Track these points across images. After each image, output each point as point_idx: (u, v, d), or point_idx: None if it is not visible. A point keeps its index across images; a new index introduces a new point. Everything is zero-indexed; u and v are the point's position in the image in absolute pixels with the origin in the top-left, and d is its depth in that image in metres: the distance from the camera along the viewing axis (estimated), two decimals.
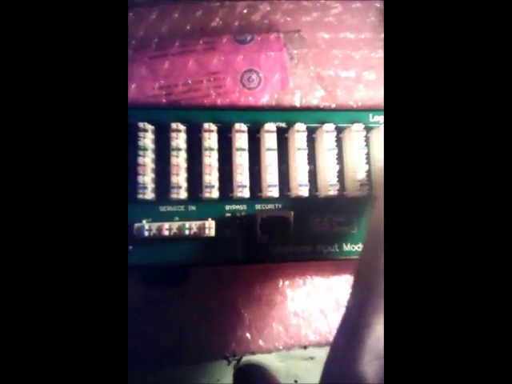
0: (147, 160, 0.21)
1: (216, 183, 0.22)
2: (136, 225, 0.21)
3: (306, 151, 0.22)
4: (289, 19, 0.27)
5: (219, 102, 0.25)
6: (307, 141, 0.23)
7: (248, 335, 0.24)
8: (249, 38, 0.26)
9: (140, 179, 0.21)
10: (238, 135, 0.22)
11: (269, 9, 0.27)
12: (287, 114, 0.24)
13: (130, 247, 0.21)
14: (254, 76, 0.25)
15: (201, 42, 0.25)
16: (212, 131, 0.22)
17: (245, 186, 0.22)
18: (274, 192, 0.22)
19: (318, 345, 0.24)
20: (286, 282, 0.25)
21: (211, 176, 0.22)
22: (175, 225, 0.21)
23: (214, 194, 0.22)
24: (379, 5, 0.28)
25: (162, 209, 0.22)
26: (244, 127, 0.22)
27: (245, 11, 0.27)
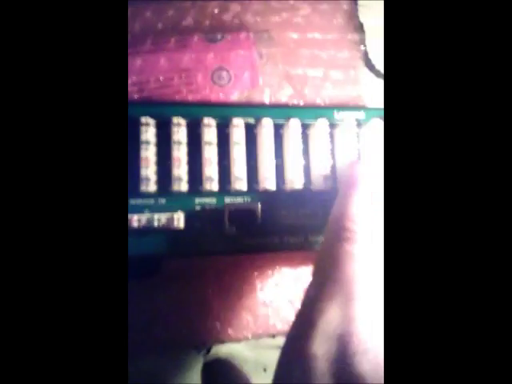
0: None
1: (185, 176, 0.22)
2: None
3: (273, 146, 0.23)
4: (259, 19, 0.28)
5: (190, 98, 0.25)
6: (274, 136, 0.23)
7: (217, 324, 0.25)
8: (219, 37, 0.26)
9: None
10: (206, 130, 0.23)
11: (239, 9, 0.28)
12: (256, 110, 0.24)
13: None
14: (224, 74, 0.26)
15: (172, 40, 0.26)
16: (181, 125, 0.23)
17: (214, 180, 0.23)
18: (243, 185, 0.23)
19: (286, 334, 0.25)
20: (255, 273, 0.25)
21: (180, 169, 0.22)
22: (145, 217, 0.22)
23: (184, 186, 0.22)
24: (346, 7, 0.29)
25: (132, 201, 0.22)
26: (213, 122, 0.23)
27: (216, 11, 0.28)
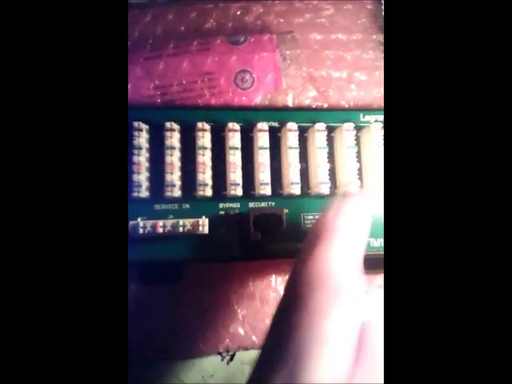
0: (142, 159, 0.22)
1: (210, 181, 0.22)
2: (131, 222, 0.21)
3: (298, 150, 0.23)
4: (282, 20, 0.28)
5: (213, 101, 0.25)
6: (299, 140, 0.23)
7: (241, 331, 0.24)
8: (242, 39, 0.26)
9: (135, 178, 0.21)
10: (231, 134, 0.22)
11: (262, 10, 0.28)
12: (280, 114, 0.24)
13: None
14: (247, 76, 0.26)
15: (195, 42, 0.26)
16: (206, 130, 0.22)
17: (238, 184, 0.22)
18: (267, 190, 0.22)
19: None
20: (279, 279, 0.25)
21: (205, 174, 0.22)
22: (169, 222, 0.21)
23: (208, 192, 0.22)
24: (370, 6, 0.29)
25: (157, 207, 0.22)
26: (237, 126, 0.23)
27: (238, 12, 0.27)
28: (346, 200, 0.18)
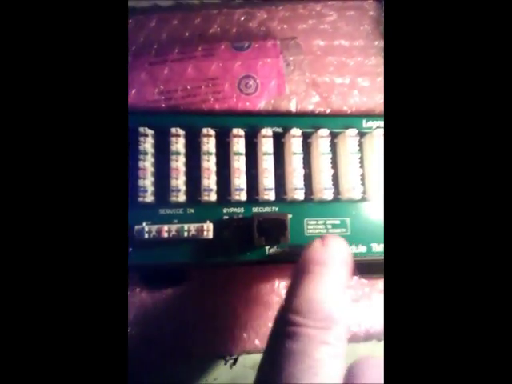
0: (147, 164, 0.22)
1: (214, 187, 0.22)
2: (136, 227, 0.21)
3: (302, 156, 0.23)
4: (285, 27, 0.28)
5: (217, 107, 0.25)
6: (303, 145, 0.23)
7: (244, 335, 0.24)
8: (246, 45, 0.26)
9: (140, 183, 0.22)
10: (235, 140, 0.23)
11: (266, 16, 0.28)
12: (283, 120, 0.24)
13: (130, 249, 0.22)
14: (251, 82, 0.26)
15: (199, 48, 0.26)
16: (210, 136, 0.23)
17: (242, 190, 0.22)
18: (271, 195, 0.23)
19: None
20: (282, 283, 0.25)
21: (209, 180, 0.22)
22: (174, 227, 0.22)
23: (212, 197, 0.22)
24: (372, 13, 0.29)
25: (162, 211, 0.22)
26: (241, 132, 0.23)
27: (242, 19, 0.28)
28: (331, 236, 0.19)
